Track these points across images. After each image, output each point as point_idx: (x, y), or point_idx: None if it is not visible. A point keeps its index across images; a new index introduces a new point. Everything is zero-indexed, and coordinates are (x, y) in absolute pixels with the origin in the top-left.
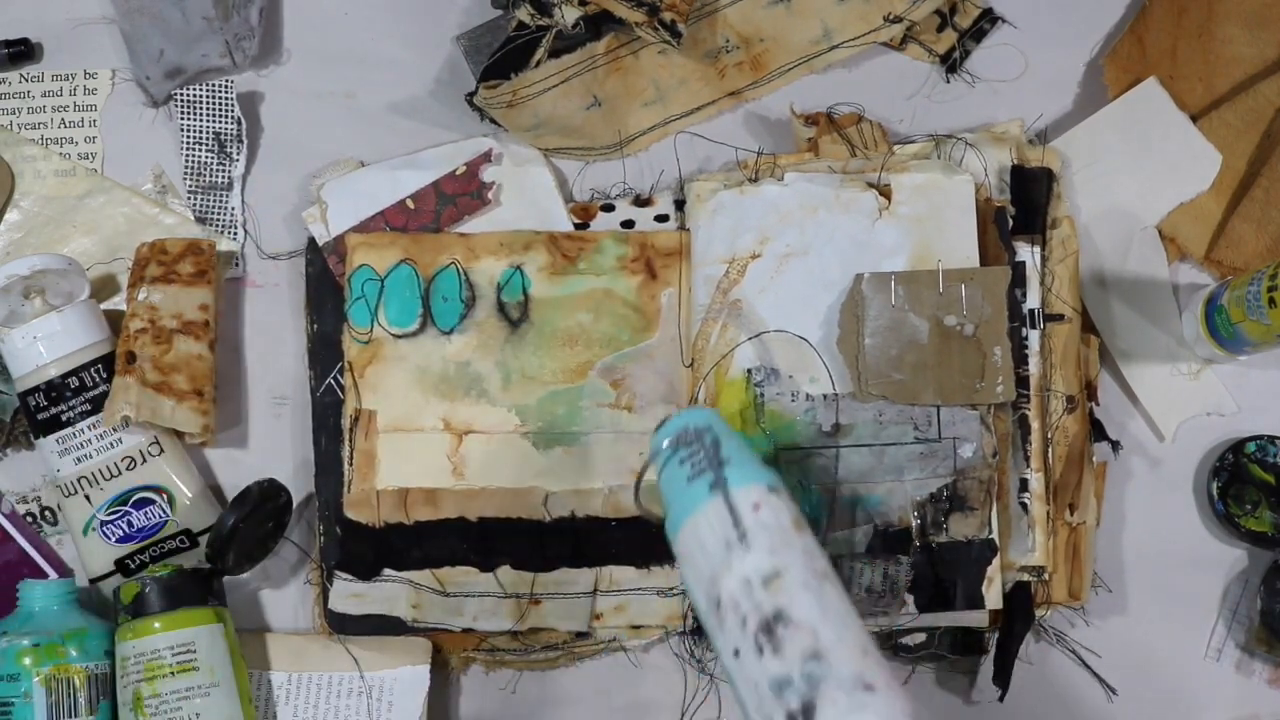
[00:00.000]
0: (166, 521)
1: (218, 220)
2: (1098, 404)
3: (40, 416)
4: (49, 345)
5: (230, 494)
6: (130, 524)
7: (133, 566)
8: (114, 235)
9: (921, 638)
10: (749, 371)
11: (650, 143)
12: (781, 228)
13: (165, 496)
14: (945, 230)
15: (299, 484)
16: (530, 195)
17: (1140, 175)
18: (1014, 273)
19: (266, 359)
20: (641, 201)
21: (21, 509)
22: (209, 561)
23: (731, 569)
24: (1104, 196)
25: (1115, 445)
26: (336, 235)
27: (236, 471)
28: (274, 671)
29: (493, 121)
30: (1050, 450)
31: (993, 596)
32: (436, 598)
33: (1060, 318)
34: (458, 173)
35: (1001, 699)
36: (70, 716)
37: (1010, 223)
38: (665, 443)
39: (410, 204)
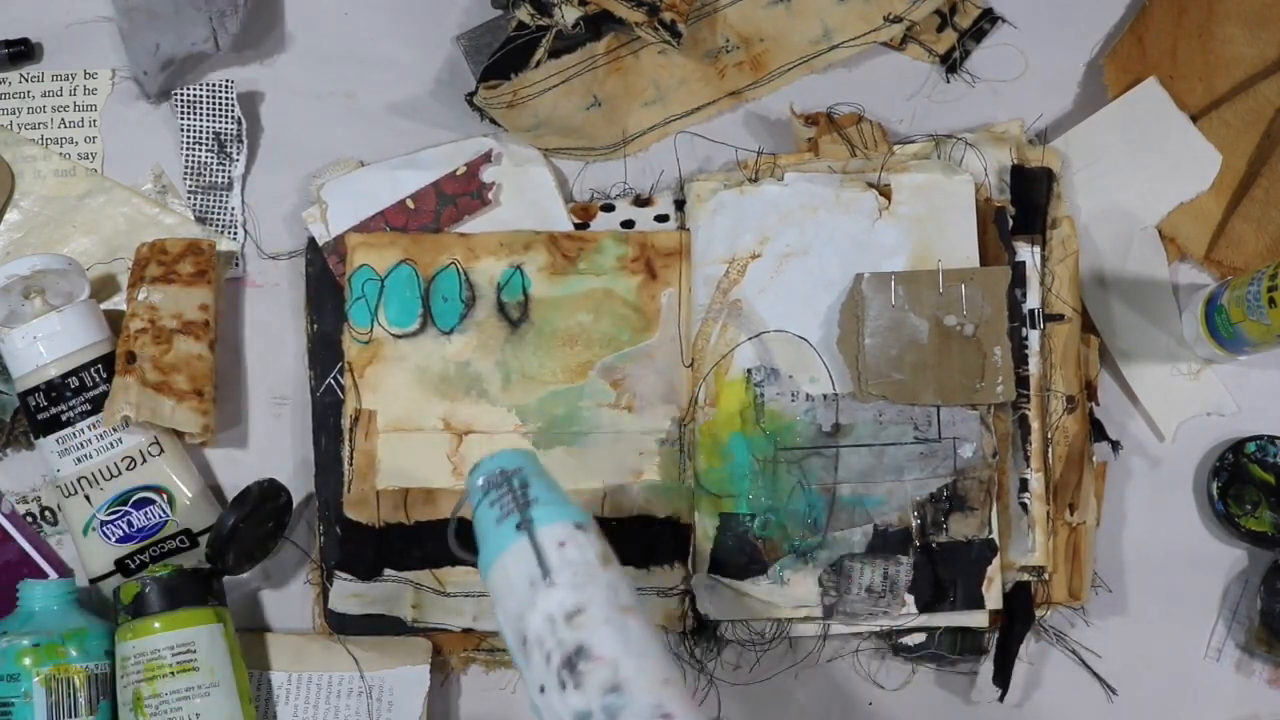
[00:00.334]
0: (166, 521)
1: (218, 220)
2: (1098, 404)
3: (40, 416)
4: (49, 345)
5: (230, 494)
6: (130, 524)
7: (133, 566)
8: (114, 235)
9: (921, 638)
10: (749, 371)
11: (650, 143)
12: (781, 228)
13: (165, 496)
14: (945, 230)
15: (299, 484)
16: (530, 195)
17: (1140, 175)
18: (1014, 273)
19: (266, 359)
20: (641, 201)
21: (21, 509)
22: (209, 561)
23: (536, 606)
24: (1104, 196)
25: (1115, 445)
26: (336, 235)
27: (236, 471)
28: (274, 671)
29: (493, 121)
30: (1050, 450)
31: (993, 596)
32: (436, 598)
33: (1060, 318)
34: (458, 173)
35: (1001, 699)
36: (70, 716)
37: (1010, 223)
38: (478, 483)
39: (410, 204)
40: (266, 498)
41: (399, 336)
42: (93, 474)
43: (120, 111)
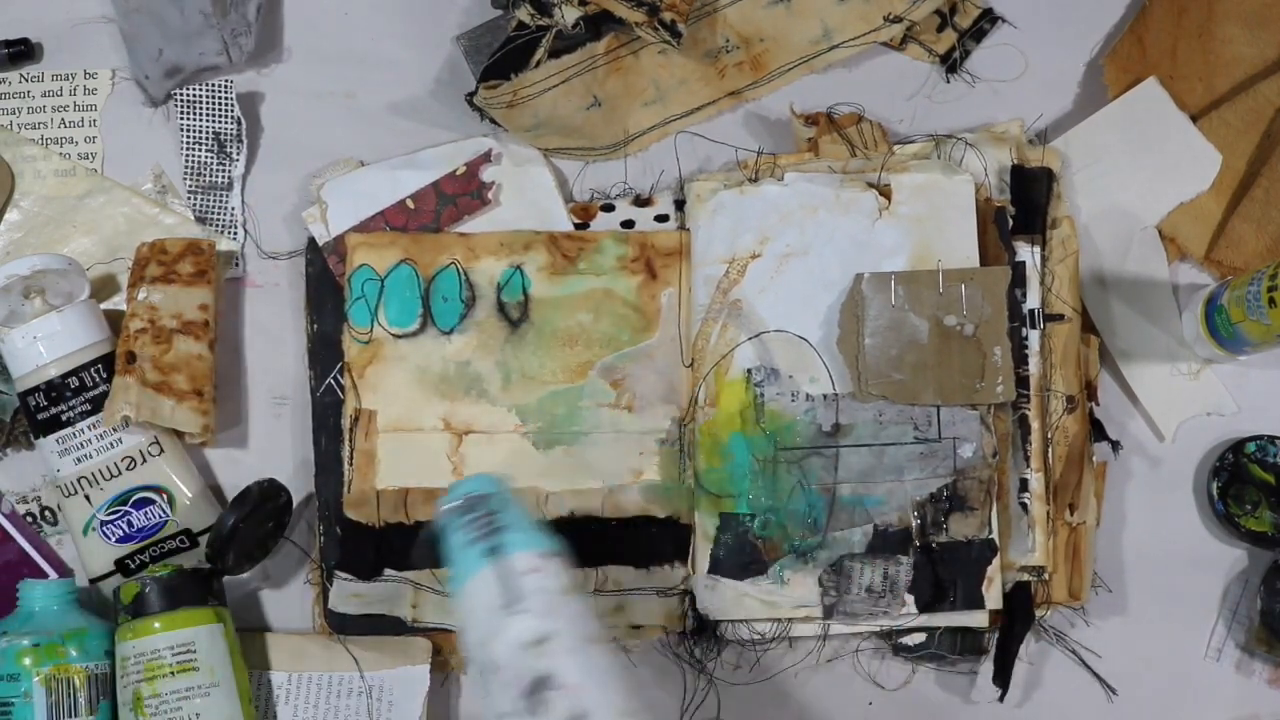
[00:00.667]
0: (166, 521)
1: (218, 220)
2: (1098, 404)
3: (40, 416)
4: (49, 345)
5: (230, 494)
6: (130, 524)
7: (133, 566)
8: (114, 235)
9: (921, 638)
10: (749, 371)
11: (650, 143)
12: (781, 228)
13: (165, 496)
14: (945, 230)
15: (299, 484)
16: (530, 195)
17: (1140, 175)
18: (1014, 273)
19: (266, 359)
20: (641, 201)
21: (21, 509)
22: (209, 561)
23: (501, 633)
24: (1104, 196)
25: (1115, 445)
26: (336, 235)
27: (236, 471)
28: (274, 671)
29: (493, 121)
30: (1050, 450)
31: (993, 596)
32: (436, 598)
33: (1060, 318)
34: (458, 173)
35: (1001, 699)
36: (70, 716)
37: (1010, 223)
38: (450, 507)
39: (410, 204)
40: (266, 498)
41: (399, 336)
42: (93, 474)
43: (120, 111)
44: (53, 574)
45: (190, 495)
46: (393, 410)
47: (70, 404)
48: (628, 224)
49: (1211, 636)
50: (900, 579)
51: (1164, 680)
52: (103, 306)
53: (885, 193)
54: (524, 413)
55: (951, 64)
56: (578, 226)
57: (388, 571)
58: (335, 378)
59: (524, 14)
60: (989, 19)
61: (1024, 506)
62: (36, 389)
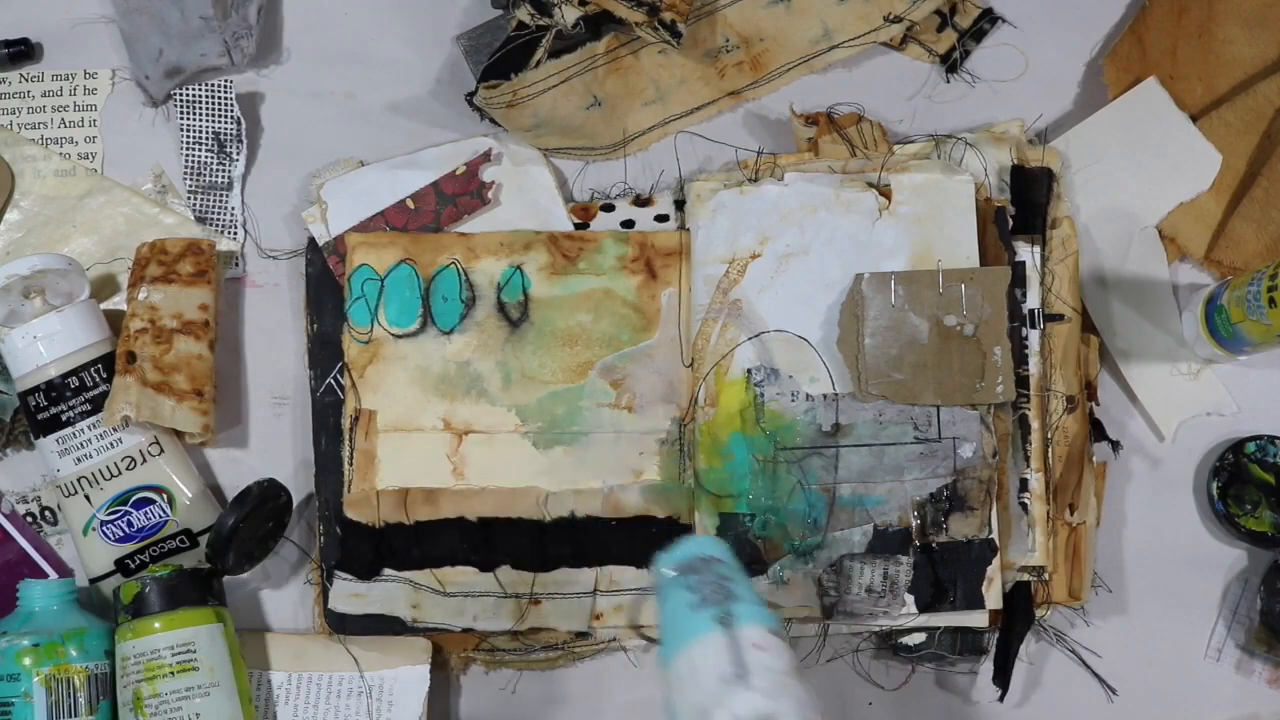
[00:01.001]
0: (166, 521)
1: (218, 220)
2: (1098, 404)
3: (40, 416)
4: (49, 345)
5: (230, 494)
6: (130, 524)
7: (133, 566)
8: (114, 235)
9: (921, 638)
10: (749, 371)
11: (650, 143)
12: (781, 228)
13: (165, 496)
14: (945, 230)
15: (299, 484)
16: (530, 195)
17: (1140, 175)
18: (1014, 273)
19: (266, 359)
20: (641, 201)
21: (21, 509)
22: (209, 561)
23: (725, 704)
24: (1104, 196)
25: (1115, 445)
26: (336, 235)
27: (236, 471)
28: (274, 671)
29: (493, 121)
30: (1050, 450)
31: (993, 596)
32: (436, 598)
33: (1060, 318)
34: (458, 173)
35: (1001, 699)
36: (70, 716)
37: (1010, 223)
38: (671, 570)
39: (410, 204)
40: (266, 498)
41: (399, 336)
42: (93, 474)
43: (120, 111)
44: (53, 574)
45: (190, 495)
46: (393, 410)
47: (70, 404)
48: (628, 224)
49: (1211, 636)
50: (900, 579)
51: (1164, 680)
52: (103, 306)
53: (885, 193)
54: (524, 413)
55: (951, 64)
56: (578, 226)
57: (387, 571)
58: (335, 378)
59: (524, 14)
60: (989, 19)
61: (1024, 506)
62: (36, 389)
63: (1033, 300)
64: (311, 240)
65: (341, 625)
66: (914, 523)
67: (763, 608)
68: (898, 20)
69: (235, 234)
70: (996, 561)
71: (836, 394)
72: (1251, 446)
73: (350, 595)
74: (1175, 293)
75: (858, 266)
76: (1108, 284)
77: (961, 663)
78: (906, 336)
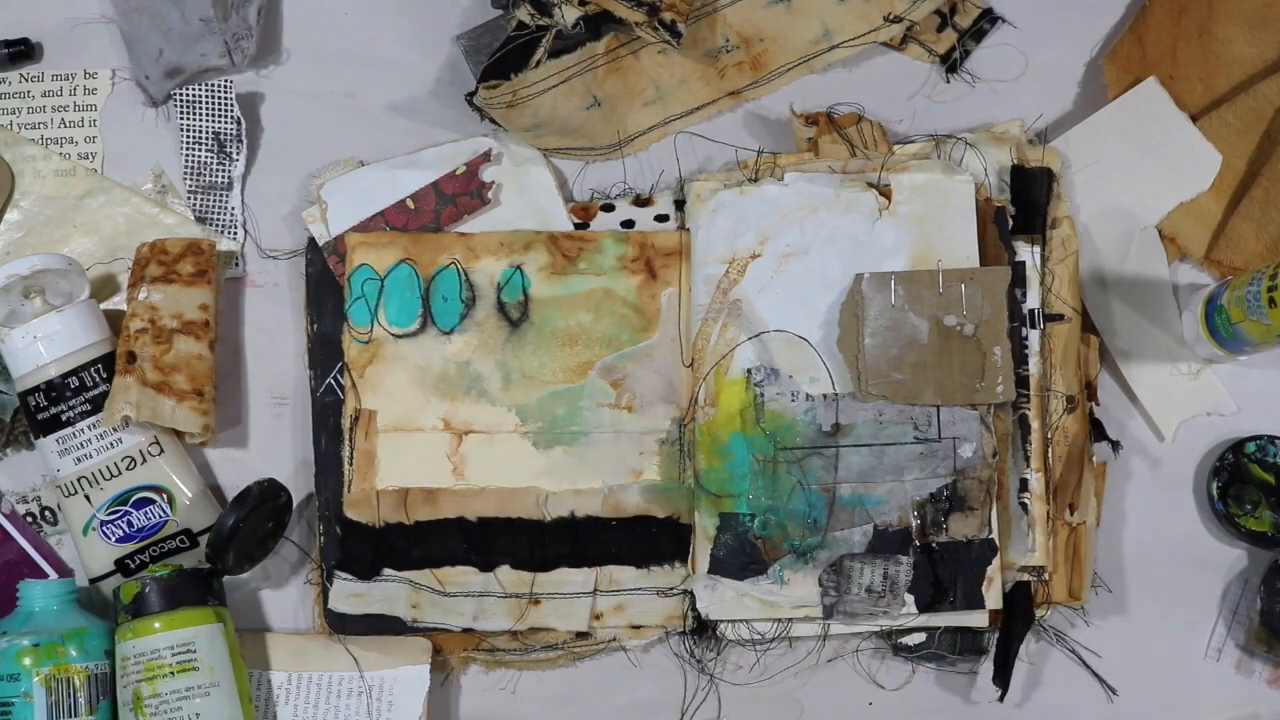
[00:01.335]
0: (166, 521)
1: (218, 220)
2: (1098, 404)
3: (40, 416)
4: (49, 345)
5: (230, 494)
6: (130, 524)
7: (133, 566)
8: (114, 235)
9: (921, 638)
10: (749, 371)
11: (650, 143)
12: (781, 228)
13: (165, 496)
14: (945, 230)
15: (299, 484)
16: (530, 195)
17: (1140, 175)
18: (1014, 273)
19: (266, 359)
20: (641, 201)
21: (21, 509)
22: (209, 561)
23: None
24: (1104, 196)
25: (1115, 445)
26: (336, 235)
27: (236, 471)
28: (274, 671)
29: (493, 121)
30: (1050, 450)
31: (993, 596)
32: (436, 597)
33: (1060, 318)
34: (458, 173)
35: (1001, 699)
36: (70, 716)
37: (1010, 223)
38: None
39: (410, 204)
40: (266, 498)
41: (399, 336)
42: (93, 474)
43: (120, 111)
44: (53, 574)
45: (190, 495)
46: (393, 410)
47: (70, 404)
48: (628, 224)
49: (1211, 636)
50: (900, 579)
51: (1164, 680)
52: (103, 306)
53: (885, 193)
54: (524, 413)
55: (951, 64)
56: (578, 226)
57: (387, 571)
58: (335, 378)
59: (524, 14)
60: (989, 19)
61: (1024, 506)
62: (36, 389)
63: (1033, 300)
64: (311, 240)
65: (341, 625)
66: (914, 523)
67: None
68: (898, 20)
69: (235, 234)
70: (996, 561)
71: (836, 394)
72: (1251, 446)
73: (350, 595)
74: (1175, 293)
75: (858, 266)
76: (1108, 284)
77: (961, 663)
78: (906, 336)
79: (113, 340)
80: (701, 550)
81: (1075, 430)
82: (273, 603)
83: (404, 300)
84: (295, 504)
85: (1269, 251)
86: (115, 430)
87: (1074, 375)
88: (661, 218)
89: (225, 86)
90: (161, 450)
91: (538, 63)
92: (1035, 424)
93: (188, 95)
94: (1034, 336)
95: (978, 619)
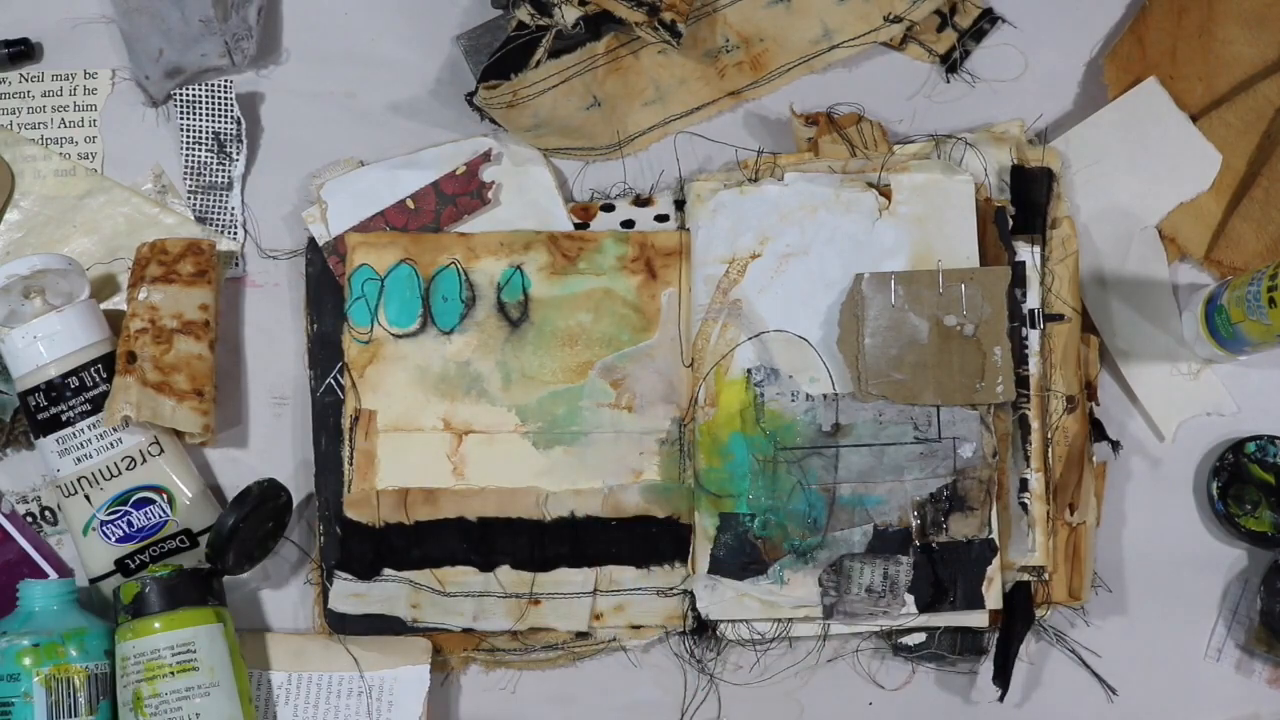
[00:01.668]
0: (166, 521)
1: (218, 220)
2: (1098, 404)
3: (40, 416)
4: (49, 345)
5: (230, 494)
6: (130, 524)
7: (133, 566)
8: (114, 235)
9: (921, 638)
10: (749, 371)
11: (650, 143)
12: (781, 228)
13: (165, 496)
14: (945, 230)
15: (299, 484)
16: (530, 195)
17: (1140, 175)
18: (1014, 273)
19: (266, 359)
20: (641, 201)
21: (21, 509)
22: (209, 561)
23: None
24: (1104, 196)
25: (1115, 445)
26: (336, 235)
27: (236, 471)
28: (274, 671)
29: (493, 121)
30: (1050, 450)
31: (993, 596)
32: (436, 597)
33: (1060, 318)
34: (458, 173)
35: (1001, 699)
36: (70, 716)
37: (1010, 223)
38: None
39: (410, 204)
40: (266, 498)
41: (399, 336)
42: (93, 474)
43: (120, 111)
44: (53, 574)
45: (190, 495)
46: (393, 410)
47: (70, 404)
48: (628, 224)
49: (1211, 636)
50: (900, 579)
51: (1164, 680)
52: (103, 306)
53: (885, 193)
54: (524, 413)
55: (951, 64)
56: (578, 226)
57: (387, 571)
58: (335, 378)
59: (524, 14)
60: (989, 19)
61: (1024, 506)
62: (36, 389)
63: (1033, 300)
64: (311, 240)
65: (341, 625)
66: (914, 523)
67: None
68: (898, 20)
69: (235, 234)
70: (996, 561)
71: (836, 394)
72: (1251, 446)
73: (350, 595)
74: (1175, 293)
75: (858, 266)
76: (1108, 284)
77: (961, 663)
78: (906, 336)
79: (113, 340)
80: (701, 550)
81: (1075, 430)
82: (273, 603)
83: (404, 300)
84: (295, 504)
85: (1269, 251)
86: (115, 430)
87: (1074, 375)
88: (661, 218)
89: (225, 86)
90: (161, 450)
91: (538, 63)
92: (1035, 424)
93: (188, 95)
94: (1034, 336)
95: (978, 619)
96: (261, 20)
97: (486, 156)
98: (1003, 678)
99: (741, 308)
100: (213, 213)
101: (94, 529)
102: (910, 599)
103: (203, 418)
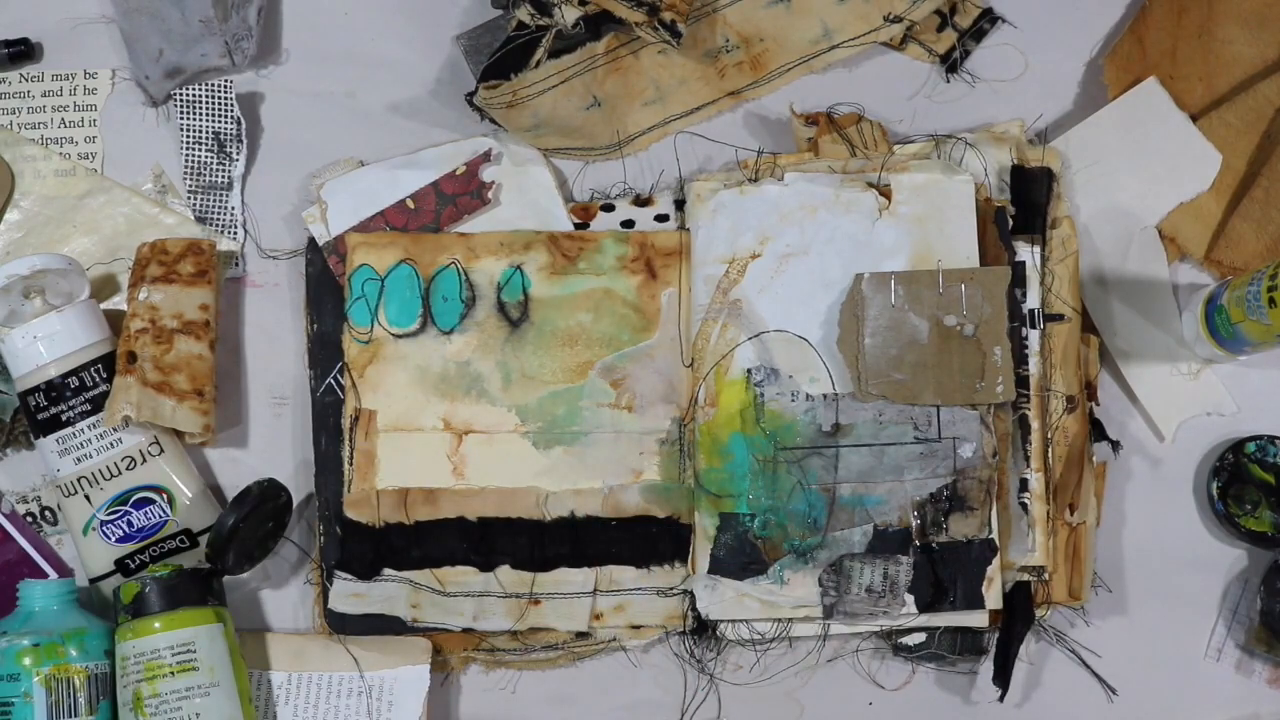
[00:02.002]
0: (166, 521)
1: (218, 220)
2: (1098, 404)
3: (40, 416)
4: (49, 345)
5: (230, 494)
6: (130, 524)
7: (133, 566)
8: (114, 235)
9: (921, 638)
10: (749, 371)
11: (650, 143)
12: (781, 228)
13: (165, 496)
14: (945, 230)
15: (299, 484)
16: (530, 195)
17: (1140, 175)
18: (1014, 273)
19: (266, 359)
20: (641, 201)
21: (21, 509)
22: (209, 561)
23: None
24: (1104, 196)
25: (1115, 445)
26: (336, 235)
27: (236, 471)
28: (274, 671)
29: (493, 121)
30: (1050, 450)
31: (993, 596)
32: (436, 597)
33: (1060, 318)
34: (458, 173)
35: (1001, 699)
36: (70, 716)
37: (1010, 223)
38: None
39: (410, 204)
40: (266, 498)
41: (399, 336)
42: (93, 474)
43: (120, 111)
44: (53, 574)
45: (190, 495)
46: (393, 410)
47: (70, 404)
48: (628, 224)
49: (1211, 636)
50: (900, 579)
51: (1164, 680)
52: (103, 306)
53: (885, 193)
54: (524, 413)
55: (951, 64)
56: (578, 226)
57: (387, 571)
58: (335, 378)
59: (524, 14)
60: (989, 19)
61: (1024, 506)
62: (36, 389)
63: (1033, 300)
64: (311, 240)
65: (341, 625)
66: (914, 523)
67: None
68: (898, 20)
69: (235, 234)
70: (996, 561)
71: (836, 394)
72: (1251, 446)
73: (350, 595)
74: (1175, 293)
75: (858, 266)
76: (1108, 284)
77: (961, 663)
78: (906, 336)
79: (113, 340)
80: (701, 550)
81: (1075, 430)
82: (273, 603)
83: (404, 300)
84: (295, 504)
85: (1269, 251)
86: (115, 430)
87: (1074, 375)
88: (661, 218)
89: (225, 86)
90: (161, 450)
91: (538, 63)
92: (1035, 424)
93: (188, 95)
94: (1034, 336)
95: (978, 619)
96: (261, 20)
97: (486, 156)
98: (1003, 678)
99: (741, 308)
100: (213, 213)
101: (94, 529)
102: (910, 599)
103: (203, 418)
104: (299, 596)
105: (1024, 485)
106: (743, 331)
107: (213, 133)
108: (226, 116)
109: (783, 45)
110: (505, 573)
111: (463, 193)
